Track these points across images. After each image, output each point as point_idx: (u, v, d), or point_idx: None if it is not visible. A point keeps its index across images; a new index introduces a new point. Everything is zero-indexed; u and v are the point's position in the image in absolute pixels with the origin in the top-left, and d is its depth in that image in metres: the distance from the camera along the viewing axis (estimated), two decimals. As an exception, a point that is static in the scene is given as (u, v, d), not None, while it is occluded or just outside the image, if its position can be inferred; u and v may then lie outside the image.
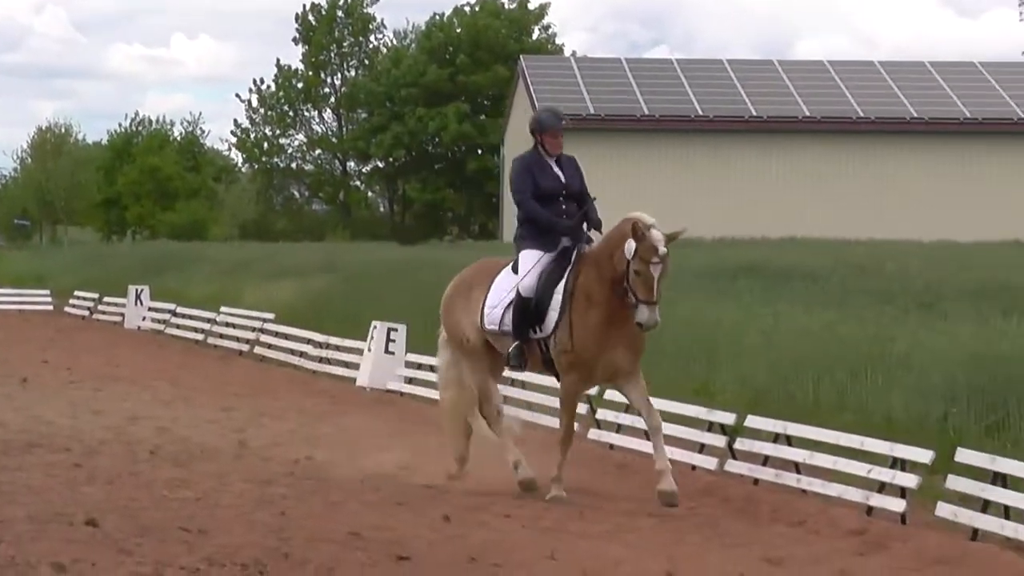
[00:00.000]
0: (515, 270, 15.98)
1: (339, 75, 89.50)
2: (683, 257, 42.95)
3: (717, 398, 19.67)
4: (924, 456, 14.78)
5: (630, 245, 14.84)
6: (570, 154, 16.33)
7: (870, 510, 14.87)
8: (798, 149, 65.70)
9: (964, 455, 14.41)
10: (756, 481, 16.67)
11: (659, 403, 19.25)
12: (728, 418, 17.84)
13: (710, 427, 18.01)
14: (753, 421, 17.45)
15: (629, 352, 15.46)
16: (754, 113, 66.34)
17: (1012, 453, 14.84)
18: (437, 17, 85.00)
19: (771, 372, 21.15)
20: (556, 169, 15.90)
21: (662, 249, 14.72)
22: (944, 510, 14.10)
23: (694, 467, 17.60)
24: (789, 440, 16.70)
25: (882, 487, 14.98)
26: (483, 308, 16.10)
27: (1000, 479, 13.77)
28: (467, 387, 16.76)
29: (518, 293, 15.68)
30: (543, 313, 15.52)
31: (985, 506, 13.80)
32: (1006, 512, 13.56)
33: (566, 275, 15.55)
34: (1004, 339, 20.30)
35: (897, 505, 14.65)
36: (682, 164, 65.17)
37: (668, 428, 18.61)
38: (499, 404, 16.85)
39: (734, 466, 17.21)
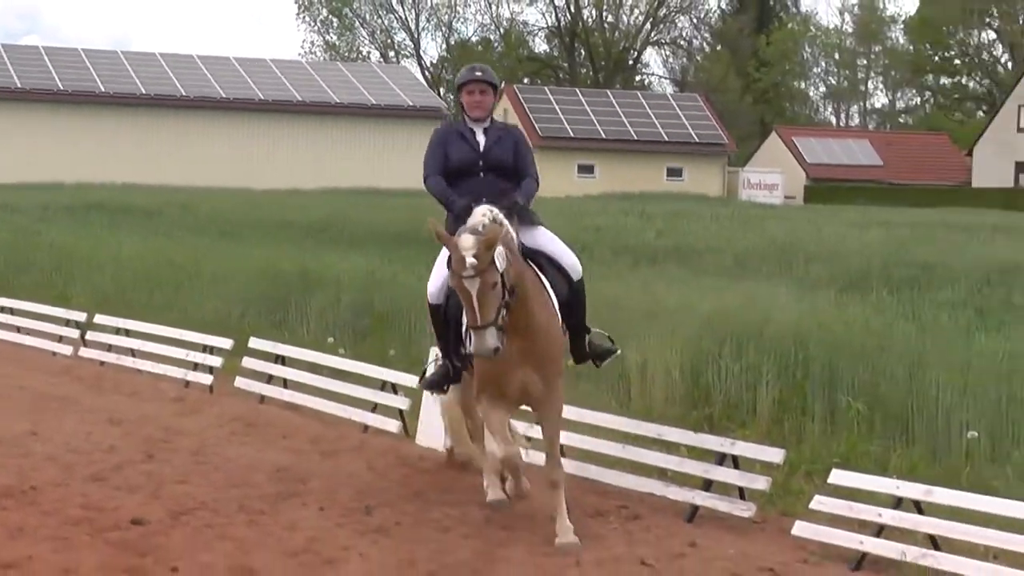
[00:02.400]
0: None
1: None
2: (51, 196, 41.91)
3: (72, 301, 19.16)
4: (227, 344, 14.88)
5: None
6: (511, 124, 10.34)
7: (187, 383, 14.87)
8: (138, 118, 65.20)
9: (255, 343, 14.61)
10: (103, 363, 16.39)
11: (29, 305, 18.73)
12: (81, 316, 17.51)
13: (67, 323, 17.63)
14: (101, 319, 17.17)
15: (536, 370, 8.74)
16: (102, 90, 65.33)
17: (289, 340, 15.14)
18: None
19: (116, 283, 20.81)
20: (479, 137, 9.36)
21: (470, 260, 8.11)
22: (241, 383, 14.25)
23: (55, 353, 17.16)
24: (128, 333, 16.52)
25: (196, 366, 15.02)
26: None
27: (280, 360, 14.05)
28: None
29: (427, 300, 9.35)
30: (459, 322, 8.97)
31: (269, 379, 14.05)
32: (284, 383, 13.84)
33: None
34: (284, 259, 20.61)
35: (206, 379, 14.71)
36: (48, 126, 63.79)
37: (35, 324, 18.12)
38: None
39: (86, 352, 16.88)
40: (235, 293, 18.82)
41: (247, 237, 26.93)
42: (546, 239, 9.36)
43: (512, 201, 9.07)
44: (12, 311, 18.94)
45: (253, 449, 11.54)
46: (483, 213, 8.59)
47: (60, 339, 17.49)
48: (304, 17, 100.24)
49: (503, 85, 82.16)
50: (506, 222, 8.77)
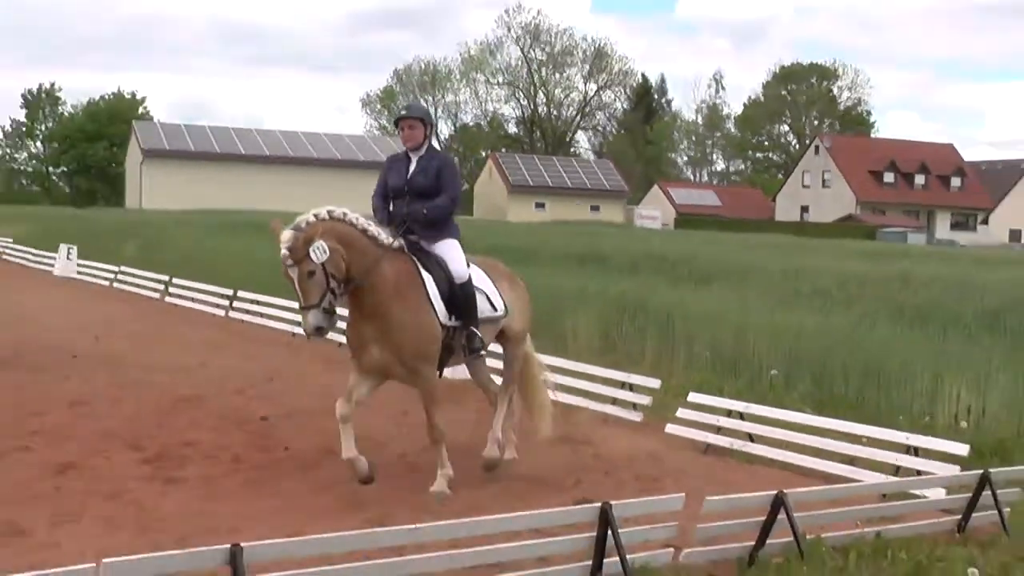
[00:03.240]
0: None
1: None
2: (211, 218, 41.34)
3: (224, 282, 18.87)
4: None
5: None
6: (444, 153, 7.47)
7: (293, 335, 14.56)
8: (265, 171, 64.27)
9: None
10: (243, 322, 16.04)
11: (196, 284, 18.47)
12: (229, 292, 17.16)
13: (221, 296, 17.39)
14: (243, 294, 16.81)
15: (392, 354, 6.51)
16: (242, 152, 64.55)
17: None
18: None
19: (251, 272, 20.49)
20: (412, 166, 7.03)
21: (283, 252, 6.27)
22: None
23: (213, 315, 16.90)
24: (259, 303, 16.16)
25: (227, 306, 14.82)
26: None
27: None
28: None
29: None
30: None
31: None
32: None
33: None
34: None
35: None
36: (209, 175, 62.85)
37: (201, 296, 17.87)
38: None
39: (233, 315, 16.52)
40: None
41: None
42: (444, 248, 6.98)
43: (406, 213, 6.91)
44: (187, 288, 18.77)
45: (334, 377, 11.50)
46: (314, 212, 6.45)
47: (216, 306, 17.36)
48: (366, 109, 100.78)
49: (488, 153, 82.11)
50: (360, 221, 6.59)
